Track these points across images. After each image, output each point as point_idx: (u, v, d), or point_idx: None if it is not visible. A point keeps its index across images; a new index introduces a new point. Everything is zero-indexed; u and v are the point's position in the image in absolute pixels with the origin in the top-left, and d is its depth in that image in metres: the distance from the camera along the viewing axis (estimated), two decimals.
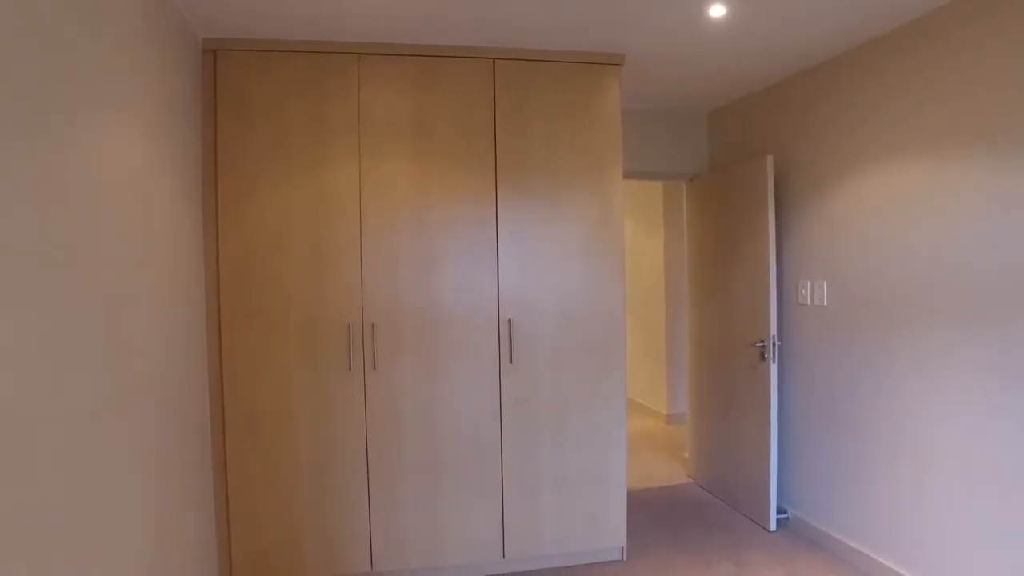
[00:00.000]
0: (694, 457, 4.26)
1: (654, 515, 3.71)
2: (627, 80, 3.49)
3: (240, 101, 2.72)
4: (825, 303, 3.22)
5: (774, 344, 3.40)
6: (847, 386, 3.08)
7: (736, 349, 3.70)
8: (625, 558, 3.15)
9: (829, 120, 3.18)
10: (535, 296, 2.99)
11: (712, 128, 4.17)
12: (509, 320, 2.97)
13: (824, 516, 3.25)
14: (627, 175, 4.15)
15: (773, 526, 3.45)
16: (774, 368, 3.40)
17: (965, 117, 2.48)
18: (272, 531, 2.80)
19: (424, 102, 2.88)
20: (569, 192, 3.01)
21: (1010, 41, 2.29)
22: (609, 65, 3.02)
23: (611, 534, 3.10)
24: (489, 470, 2.98)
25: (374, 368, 2.86)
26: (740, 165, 3.63)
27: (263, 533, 2.79)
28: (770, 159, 3.37)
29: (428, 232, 2.89)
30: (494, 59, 2.93)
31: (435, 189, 2.90)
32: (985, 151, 2.40)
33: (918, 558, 2.73)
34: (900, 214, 2.78)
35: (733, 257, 3.71)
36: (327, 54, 2.79)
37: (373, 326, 2.85)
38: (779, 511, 3.55)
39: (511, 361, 2.97)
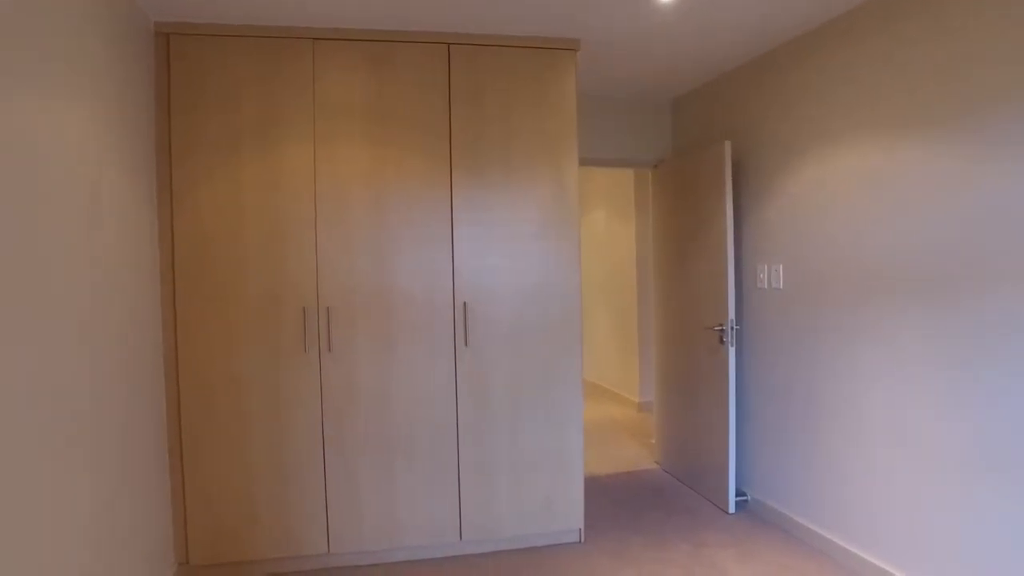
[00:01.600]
0: (660, 442, 4.30)
1: (617, 499, 3.75)
2: (588, 67, 3.52)
3: (194, 84, 2.74)
4: (781, 287, 3.25)
5: (732, 328, 3.43)
6: (802, 369, 3.11)
7: (697, 334, 3.74)
8: (583, 540, 3.18)
9: (784, 104, 3.21)
10: (490, 279, 3.02)
11: (676, 115, 4.21)
12: (464, 303, 2.99)
13: (781, 497, 3.29)
14: (592, 162, 4.19)
15: (732, 508, 3.48)
16: (732, 352, 3.44)
17: (913, 102, 2.51)
18: (229, 512, 2.82)
19: (379, 87, 2.90)
20: (524, 176, 3.04)
21: (951, 30, 2.33)
22: (564, 50, 3.05)
23: (569, 516, 3.13)
24: (446, 452, 3.00)
25: (329, 350, 2.88)
26: (700, 151, 3.66)
27: (220, 513, 2.82)
28: (727, 144, 3.40)
29: (383, 216, 2.92)
30: (449, 44, 2.95)
31: (390, 173, 2.92)
32: (933, 134, 2.44)
33: (869, 536, 2.77)
34: (852, 196, 2.82)
35: (695, 243, 3.75)
36: (282, 39, 2.81)
37: (328, 309, 2.87)
38: (739, 494, 3.59)
39: (466, 344, 3.00)
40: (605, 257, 6.59)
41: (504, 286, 3.03)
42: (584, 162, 4.15)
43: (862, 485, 2.77)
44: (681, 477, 4.00)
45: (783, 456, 3.25)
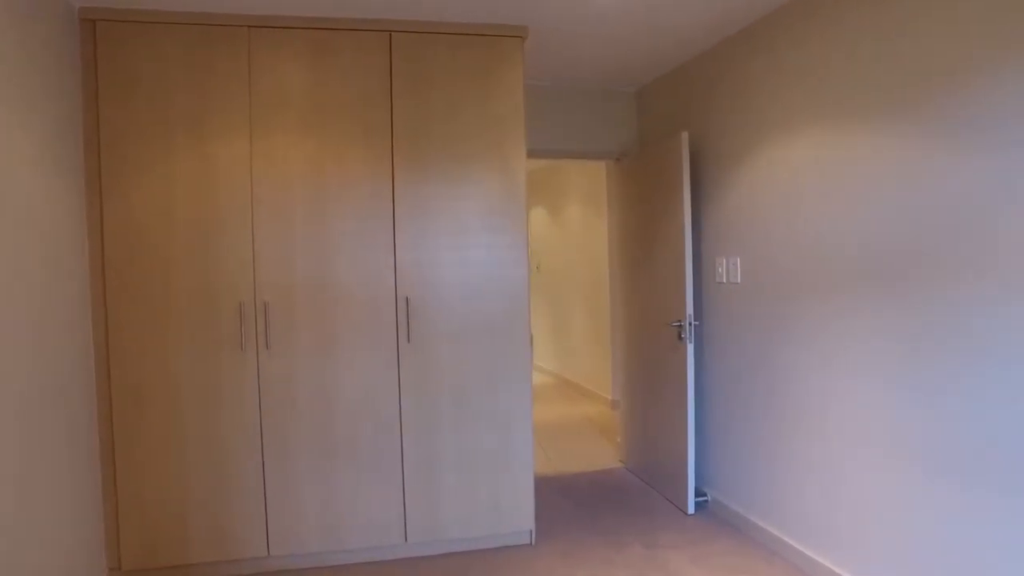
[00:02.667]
0: (625, 441, 4.21)
1: (578, 499, 3.66)
2: (545, 56, 3.43)
3: (123, 73, 2.66)
4: (739, 280, 3.17)
5: (691, 324, 3.34)
6: (759, 364, 3.03)
7: (658, 330, 3.65)
8: (534, 542, 3.10)
9: (740, 94, 3.13)
10: (434, 274, 2.93)
11: (640, 106, 4.12)
12: (407, 298, 2.91)
13: (740, 497, 3.20)
14: (553, 154, 4.10)
15: (691, 509, 3.39)
16: (691, 349, 3.35)
17: (862, 89, 2.43)
18: (162, 514, 2.74)
19: (318, 76, 2.81)
20: (469, 168, 2.95)
21: (898, 14, 2.25)
22: (511, 38, 2.96)
23: (518, 517, 3.04)
24: (389, 452, 2.92)
25: (267, 347, 2.80)
26: (659, 143, 3.58)
27: (153, 516, 2.73)
28: (685, 135, 3.31)
29: (323, 208, 2.83)
30: (391, 32, 2.87)
31: (330, 164, 2.84)
32: (880, 122, 2.35)
33: (821, 538, 2.68)
34: (805, 188, 2.73)
35: (656, 236, 3.66)
36: (215, 26, 2.72)
37: (266, 304, 2.79)
38: (700, 494, 3.50)
39: (409, 340, 2.91)
40: (581, 253, 6.51)
41: (448, 281, 2.95)
42: (545, 154, 4.07)
43: (816, 486, 2.68)
44: (644, 477, 3.92)
45: (743, 456, 3.17)
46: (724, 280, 3.28)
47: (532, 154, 4.04)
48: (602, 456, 4.47)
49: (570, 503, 3.61)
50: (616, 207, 4.19)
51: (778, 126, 2.85)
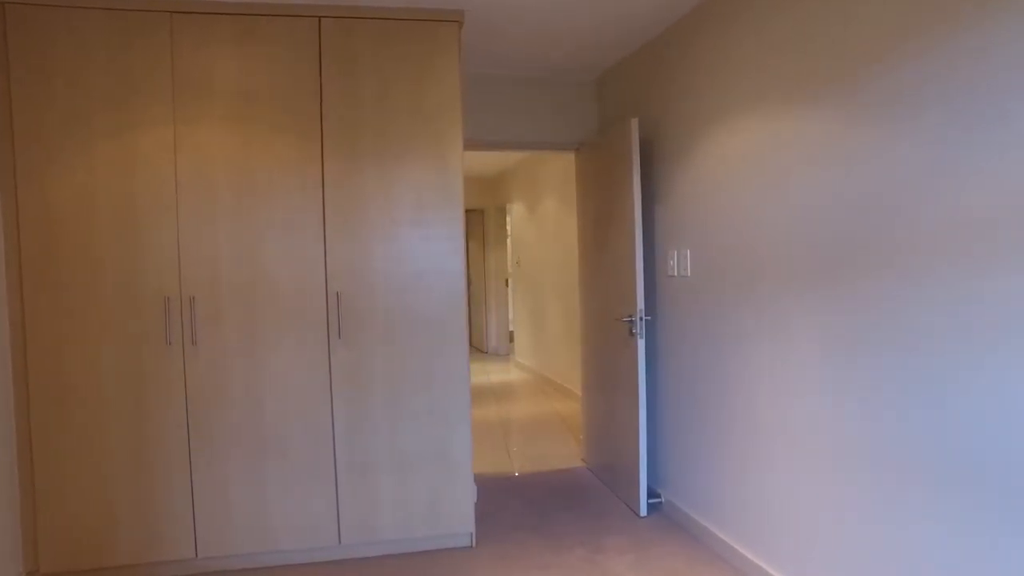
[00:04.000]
0: (586, 440, 4.11)
1: (531, 500, 3.56)
2: (499, 45, 3.33)
3: (37, 59, 2.57)
4: (689, 273, 3.05)
5: (642, 319, 3.23)
6: (707, 362, 2.91)
7: (612, 325, 3.55)
8: (474, 544, 3.00)
9: (686, 80, 3.01)
10: (366, 267, 2.84)
11: (600, 95, 4.01)
12: (338, 293, 2.81)
13: (691, 499, 3.10)
14: (512, 146, 4.00)
15: (644, 511, 3.29)
16: (641, 344, 3.24)
17: (789, 72, 2.31)
18: (86, 516, 2.66)
19: (245, 64, 2.72)
20: (402, 158, 2.85)
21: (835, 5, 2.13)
22: (446, 23, 2.86)
23: (457, 519, 2.95)
24: (321, 450, 2.83)
25: (194, 343, 2.71)
26: (610, 130, 3.47)
27: (74, 516, 2.66)
28: (634, 122, 3.20)
29: (250, 201, 2.74)
30: (320, 17, 2.77)
31: (257, 155, 2.74)
32: (807, 105, 2.24)
33: (763, 540, 2.57)
34: (743, 176, 2.62)
35: (610, 228, 3.55)
36: (136, 11, 2.63)
37: (193, 298, 2.71)
38: (653, 495, 3.39)
39: (340, 336, 2.82)
40: (556, 248, 6.40)
41: (381, 275, 2.85)
42: (505, 146, 3.97)
43: (758, 486, 2.57)
44: (602, 477, 3.81)
45: (693, 456, 3.06)
46: (675, 274, 3.17)
47: (491, 146, 3.94)
48: (565, 455, 4.37)
49: (522, 504, 3.51)
50: (579, 199, 4.08)
51: (720, 113, 2.74)
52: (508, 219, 8.57)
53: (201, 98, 2.69)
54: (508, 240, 8.62)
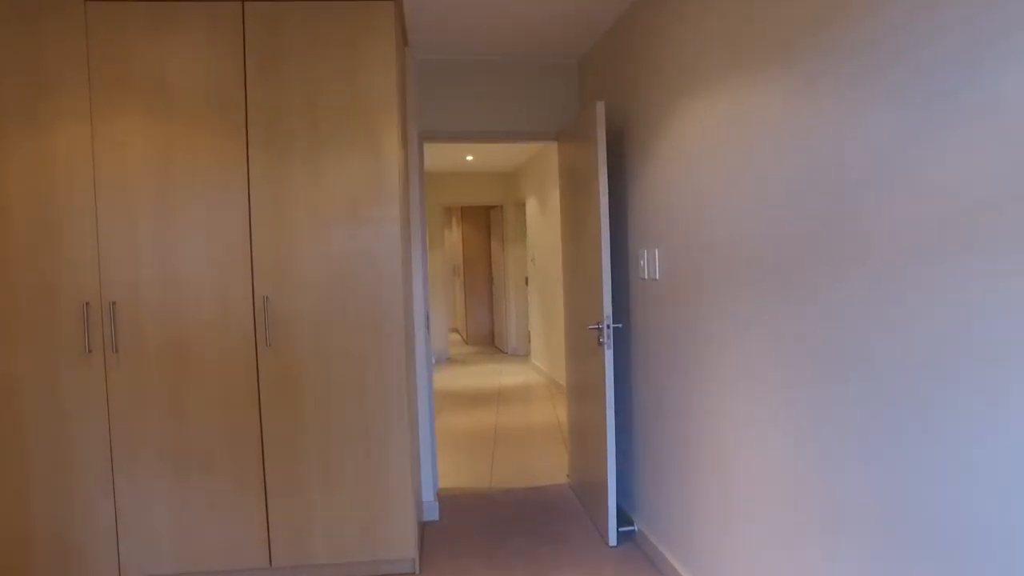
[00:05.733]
0: (570, 454, 3.80)
1: (499, 520, 3.29)
2: (468, 29, 3.06)
3: None
4: (658, 276, 2.72)
5: (609, 327, 2.91)
6: (675, 377, 2.58)
7: (584, 332, 3.23)
8: (418, 571, 2.76)
9: (656, 56, 2.67)
10: (294, 270, 2.63)
11: (582, 79, 3.68)
12: (265, 297, 2.62)
13: (660, 530, 2.76)
14: (488, 137, 3.72)
15: (613, 540, 2.96)
16: (609, 355, 2.92)
17: (742, 41, 1.96)
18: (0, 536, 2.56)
19: (163, 53, 2.55)
20: (333, 150, 2.63)
21: None
22: (380, 1, 2.61)
23: (398, 543, 2.71)
24: (249, 466, 2.64)
25: (115, 351, 2.57)
26: (579, 117, 3.15)
27: None
28: (599, 106, 2.87)
29: (172, 200, 2.57)
30: (243, 1, 2.57)
31: (179, 150, 2.57)
32: (766, 73, 1.89)
33: None
34: (707, 162, 2.27)
35: (583, 226, 3.24)
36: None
37: (113, 304, 2.56)
38: (627, 522, 3.07)
39: (268, 344, 2.62)
40: (555, 247, 6.07)
41: (310, 278, 2.64)
42: (481, 137, 3.70)
43: (721, 525, 2.23)
44: (581, 497, 3.51)
45: (665, 483, 2.72)
46: (646, 276, 2.83)
47: (460, 137, 3.68)
48: (552, 470, 4.08)
49: (486, 525, 3.25)
50: (561, 193, 3.77)
51: (685, 95, 2.39)
52: (527, 215, 8.29)
53: (119, 91, 2.54)
54: (527, 236, 8.34)
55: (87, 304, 2.55)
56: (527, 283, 8.51)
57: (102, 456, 2.58)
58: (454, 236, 10.99)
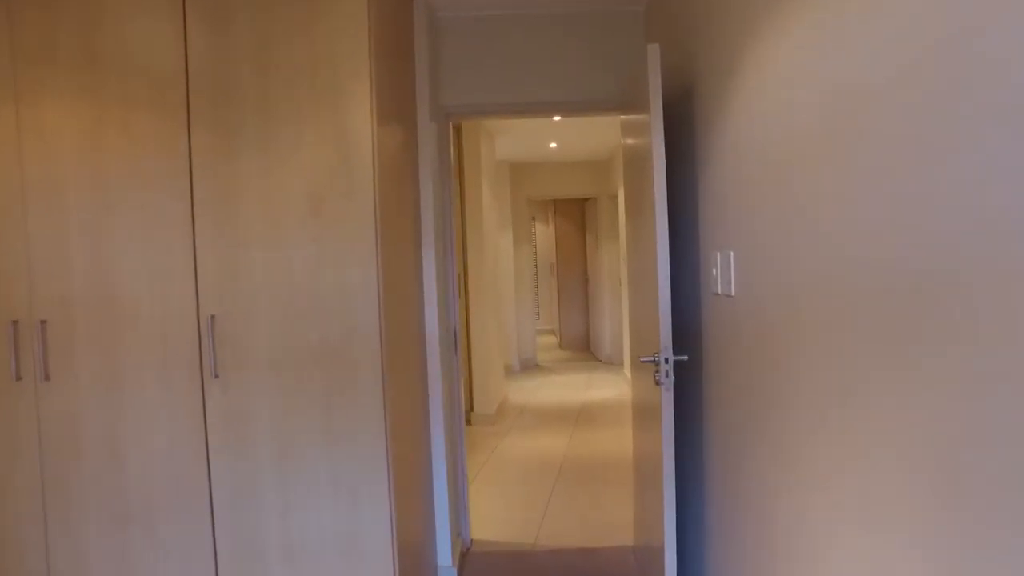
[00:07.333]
0: (635, 514, 3.00)
1: None
2: None
3: None
4: (733, 291, 1.88)
5: (668, 361, 2.10)
6: (752, 435, 1.74)
7: (639, 367, 2.43)
8: None
9: None
10: (245, 283, 2.07)
11: (650, 32, 2.84)
12: (212, 316, 2.08)
13: None
14: (525, 110, 3.01)
15: None
16: (668, 399, 2.11)
17: None
18: None
19: (89, 17, 2.08)
20: (290, 132, 2.04)
21: None
22: None
23: None
24: (196, 525, 2.13)
25: (47, 378, 2.14)
26: (633, 72, 2.34)
27: None
28: (654, 49, 2.06)
29: (105, 195, 2.10)
30: None
31: (113, 138, 2.09)
32: None
33: None
34: (824, 131, 1.43)
35: (640, 218, 2.44)
36: None
37: (44, 323, 2.14)
38: None
39: (217, 375, 2.09)
40: None
41: (264, 292, 2.07)
42: (516, 111, 2.99)
43: None
44: (643, 568, 2.70)
45: (739, 566, 1.89)
46: (719, 290, 2.00)
47: (502, 110, 3.00)
48: (617, 525, 3.29)
49: None
50: (624, 180, 2.97)
51: (781, 33, 1.54)
52: (619, 208, 7.43)
53: (44, 66, 2.10)
54: (620, 232, 7.48)
55: (16, 323, 2.14)
56: (622, 283, 7.65)
57: (34, 500, 2.16)
58: (549, 231, 10.29)
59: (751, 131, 1.67)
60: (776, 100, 1.50)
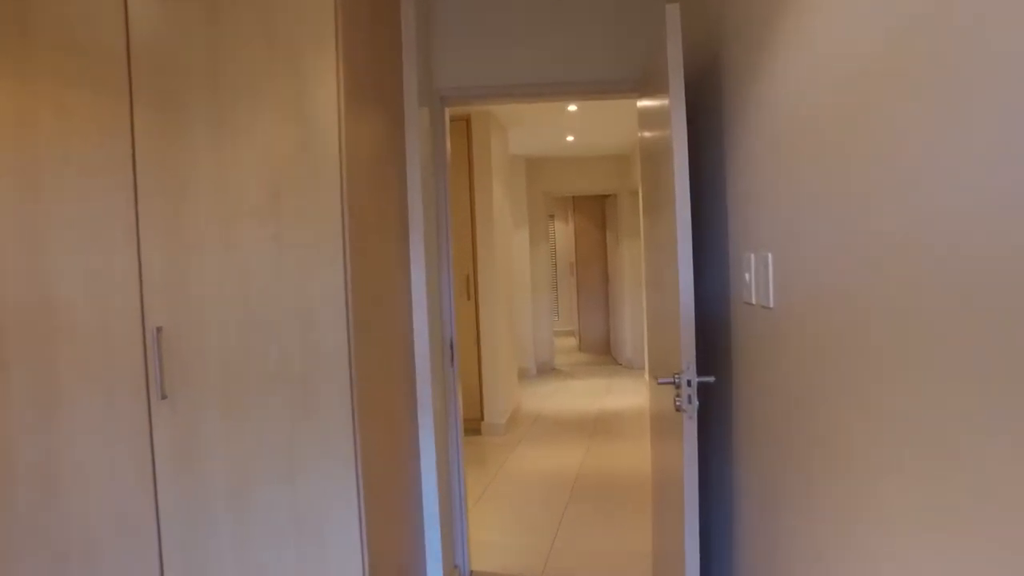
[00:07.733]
0: (654, 544, 2.66)
1: None
2: None
3: None
4: (770, 303, 1.54)
5: (691, 384, 1.76)
6: (791, 473, 1.40)
7: (657, 390, 2.09)
8: None
9: None
10: (196, 290, 1.79)
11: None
12: (158, 328, 1.80)
13: None
14: (533, 93, 2.69)
15: None
16: (691, 427, 1.77)
17: None
18: None
19: None
20: (245, 111, 1.75)
21: None
22: None
23: None
24: (142, 566, 1.85)
25: None
26: (649, 43, 2.00)
27: None
28: (673, 8, 1.73)
29: (37, 187, 1.84)
30: None
31: (46, 122, 1.82)
32: None
33: None
34: (886, 108, 1.09)
35: (658, 213, 2.10)
36: None
37: None
38: None
39: (164, 396, 1.81)
40: None
41: (216, 301, 1.78)
42: (522, 93, 2.67)
43: None
44: None
45: None
46: (752, 299, 1.65)
47: (505, 93, 2.68)
48: (634, 556, 2.95)
49: None
50: (641, 170, 2.64)
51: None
52: (640, 205, 7.06)
53: None
54: (641, 231, 7.11)
55: None
56: (642, 285, 7.28)
57: None
58: (568, 229, 9.94)
59: (799, 92, 1.33)
60: (837, 42, 1.16)
